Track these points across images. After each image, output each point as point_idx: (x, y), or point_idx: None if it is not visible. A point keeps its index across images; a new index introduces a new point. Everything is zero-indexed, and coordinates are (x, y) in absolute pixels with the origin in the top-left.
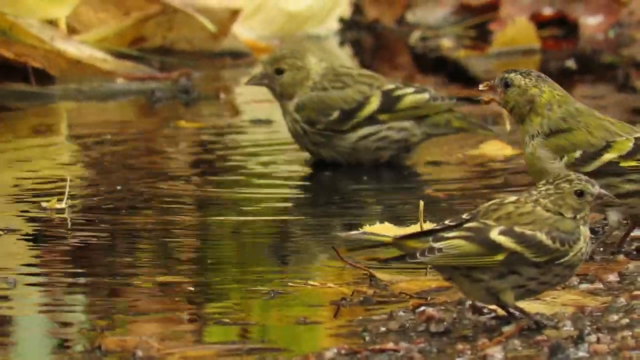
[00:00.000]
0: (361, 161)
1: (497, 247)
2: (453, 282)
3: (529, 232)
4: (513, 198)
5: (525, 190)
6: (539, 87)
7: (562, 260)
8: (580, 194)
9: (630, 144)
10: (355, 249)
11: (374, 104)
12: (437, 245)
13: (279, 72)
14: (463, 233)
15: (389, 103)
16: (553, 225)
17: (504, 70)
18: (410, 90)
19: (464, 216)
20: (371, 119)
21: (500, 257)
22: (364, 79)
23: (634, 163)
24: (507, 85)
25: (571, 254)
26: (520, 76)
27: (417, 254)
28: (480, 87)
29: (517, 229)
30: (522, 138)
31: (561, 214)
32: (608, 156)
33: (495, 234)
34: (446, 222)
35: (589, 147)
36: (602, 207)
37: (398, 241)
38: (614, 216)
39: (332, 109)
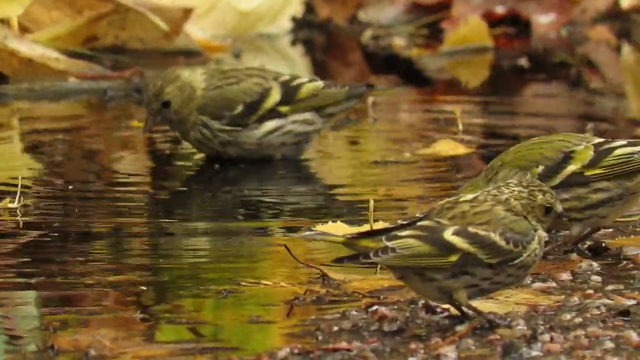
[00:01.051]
0: (266, 157)
1: (450, 248)
2: (405, 281)
3: (482, 233)
4: (469, 196)
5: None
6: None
7: (515, 262)
8: (549, 210)
9: (591, 152)
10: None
11: (276, 95)
12: (390, 244)
13: (166, 104)
14: (416, 232)
15: (289, 94)
16: (508, 225)
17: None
18: (305, 79)
19: (417, 214)
20: (273, 112)
21: (453, 258)
22: (254, 71)
23: (599, 171)
24: None
25: (524, 255)
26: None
27: (371, 254)
28: None
29: (470, 229)
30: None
31: (525, 218)
32: (571, 167)
33: (448, 234)
34: (399, 221)
35: (547, 161)
36: (573, 221)
37: (350, 241)
38: (576, 227)
39: (235, 103)
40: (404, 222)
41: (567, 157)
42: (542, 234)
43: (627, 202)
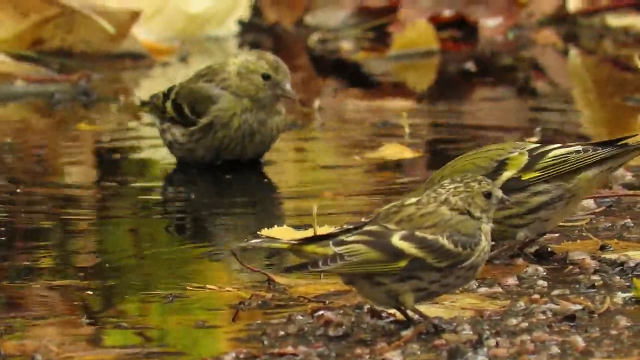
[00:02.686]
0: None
1: (399, 254)
2: (353, 286)
3: (430, 237)
4: (414, 199)
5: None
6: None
7: (464, 264)
8: (488, 195)
9: (525, 157)
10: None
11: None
12: (337, 249)
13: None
14: (364, 237)
15: None
16: (455, 227)
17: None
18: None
19: (363, 219)
20: None
21: (402, 263)
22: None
23: (535, 174)
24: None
25: (473, 257)
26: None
27: (320, 263)
28: None
29: (418, 233)
30: None
31: (469, 212)
32: (507, 174)
33: (396, 240)
34: (345, 225)
35: (480, 170)
36: (512, 227)
37: (296, 247)
38: (521, 233)
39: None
40: (350, 227)
41: (502, 165)
42: (488, 228)
43: (568, 204)
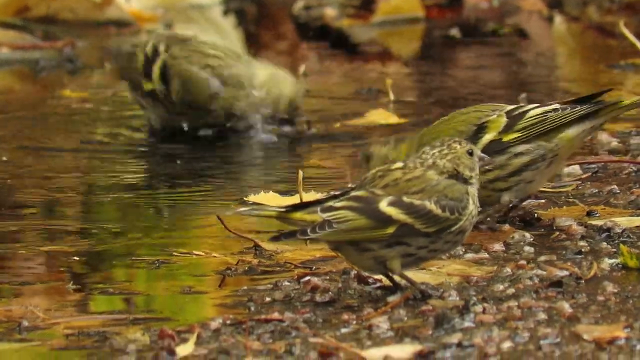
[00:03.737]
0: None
1: (387, 220)
2: (340, 252)
3: (418, 202)
4: (400, 164)
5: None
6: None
7: (453, 229)
8: (471, 153)
9: (504, 119)
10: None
11: None
12: (325, 216)
13: None
14: (351, 203)
15: None
16: (442, 192)
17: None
18: None
19: (349, 185)
20: None
21: (390, 230)
22: None
23: (516, 134)
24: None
25: (461, 221)
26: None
27: (308, 231)
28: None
29: (405, 199)
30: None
31: (458, 173)
32: (488, 137)
33: (384, 206)
34: (332, 191)
35: (462, 135)
36: (497, 192)
37: (284, 214)
38: (505, 196)
39: None
40: (337, 193)
41: (481, 128)
42: (474, 191)
43: (550, 164)
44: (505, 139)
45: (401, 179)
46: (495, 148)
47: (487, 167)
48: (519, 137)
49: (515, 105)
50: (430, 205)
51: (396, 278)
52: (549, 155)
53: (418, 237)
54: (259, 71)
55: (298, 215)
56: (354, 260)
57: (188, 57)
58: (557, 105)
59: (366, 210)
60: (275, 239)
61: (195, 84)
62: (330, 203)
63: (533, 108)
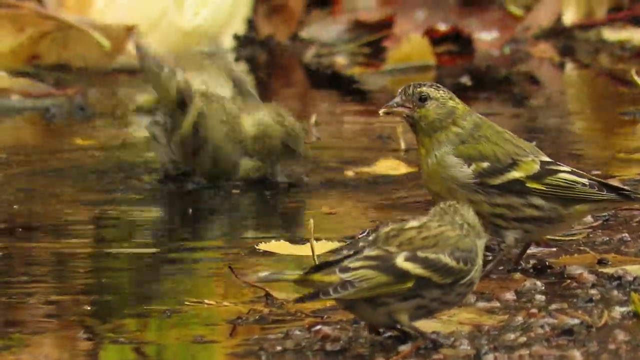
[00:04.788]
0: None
1: (405, 275)
2: (351, 310)
3: (432, 256)
4: (415, 223)
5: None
6: (453, 99)
7: (465, 280)
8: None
9: (537, 166)
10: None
11: None
12: (344, 276)
13: None
14: (368, 262)
15: None
16: (454, 245)
17: (407, 85)
18: None
19: (361, 243)
20: None
21: (409, 284)
22: None
23: (540, 186)
24: (422, 99)
25: (472, 272)
26: (434, 89)
27: (331, 291)
28: (382, 111)
29: (420, 253)
30: (422, 151)
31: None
32: (515, 174)
33: (401, 262)
34: (344, 251)
35: (496, 162)
36: (498, 228)
37: (302, 278)
38: (510, 235)
39: None
40: (349, 253)
41: (514, 164)
42: (481, 243)
43: (554, 227)
44: (529, 185)
45: (416, 237)
46: (514, 188)
47: (498, 201)
48: (541, 190)
49: (550, 159)
50: (445, 258)
51: (406, 329)
52: (557, 220)
53: (432, 290)
54: (250, 128)
55: (317, 277)
56: (367, 315)
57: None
58: (586, 181)
59: (384, 267)
60: (300, 300)
61: (222, 153)
62: (346, 263)
63: (566, 171)
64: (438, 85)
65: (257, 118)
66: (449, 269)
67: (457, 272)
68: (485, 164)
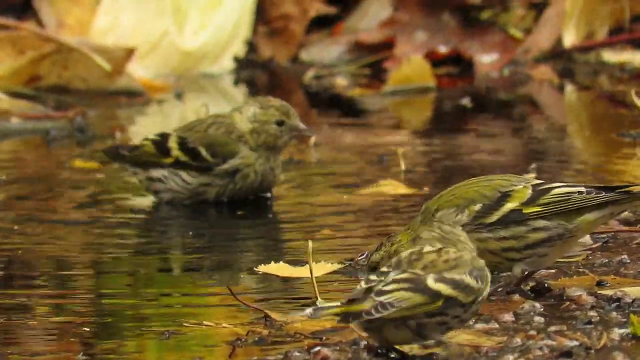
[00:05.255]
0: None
1: (436, 295)
2: (376, 333)
3: (457, 277)
4: (430, 248)
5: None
6: (394, 244)
7: (480, 298)
8: None
9: (529, 191)
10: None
11: None
12: (382, 299)
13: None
14: (402, 285)
15: None
16: (471, 264)
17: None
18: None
19: (383, 269)
20: None
21: (439, 303)
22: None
23: (537, 209)
24: (371, 268)
25: (485, 290)
26: (378, 254)
27: (373, 311)
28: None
29: (447, 275)
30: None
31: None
32: (509, 205)
33: (432, 283)
34: (362, 284)
35: (484, 199)
36: (508, 260)
37: (347, 310)
38: (517, 268)
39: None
40: (374, 278)
41: (505, 196)
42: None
43: (566, 243)
44: (526, 210)
45: (438, 260)
46: (514, 218)
47: (503, 235)
48: (539, 211)
49: (541, 181)
50: (467, 279)
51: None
52: (566, 235)
53: (456, 308)
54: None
55: (357, 307)
56: (391, 335)
57: (192, 128)
58: (582, 188)
59: (419, 289)
60: (344, 319)
61: (217, 141)
62: (380, 287)
63: (559, 186)
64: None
65: (249, 113)
66: (471, 288)
67: (477, 290)
68: (476, 206)
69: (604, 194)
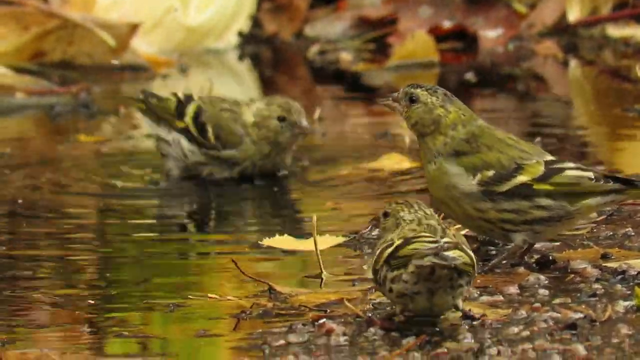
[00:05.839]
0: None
1: (472, 259)
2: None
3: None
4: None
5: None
6: (445, 107)
7: None
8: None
9: (542, 168)
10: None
11: None
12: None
13: None
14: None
15: None
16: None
17: (408, 84)
18: None
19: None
20: None
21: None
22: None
23: (548, 187)
24: (412, 100)
25: None
26: (427, 93)
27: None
28: (380, 101)
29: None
30: (422, 153)
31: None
32: (521, 178)
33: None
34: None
35: (501, 169)
36: (507, 232)
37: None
38: (518, 236)
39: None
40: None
41: (519, 168)
42: None
43: (562, 225)
44: (537, 187)
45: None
46: (522, 192)
47: (505, 207)
48: (549, 190)
49: (554, 158)
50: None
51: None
52: (566, 217)
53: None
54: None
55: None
56: (437, 299)
57: (212, 103)
58: (592, 174)
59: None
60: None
61: (224, 127)
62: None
63: (571, 168)
64: (437, 89)
65: (254, 108)
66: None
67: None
68: (490, 172)
69: (611, 183)
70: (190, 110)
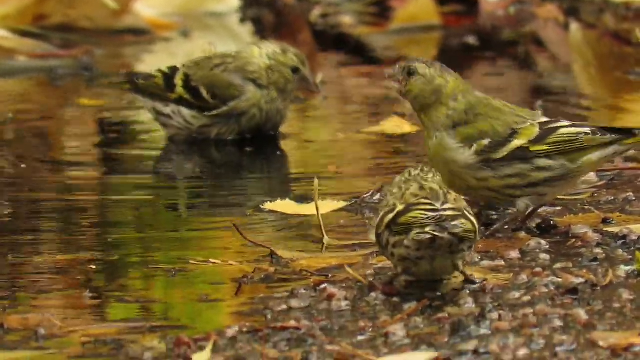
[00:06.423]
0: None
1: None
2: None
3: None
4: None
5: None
6: (444, 77)
7: None
8: None
9: (536, 129)
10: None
11: None
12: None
13: None
14: (458, 212)
15: None
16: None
17: (404, 60)
18: None
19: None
20: None
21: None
22: None
23: (544, 147)
24: (410, 74)
25: None
26: (424, 65)
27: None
28: (388, 75)
29: (466, 212)
30: (424, 127)
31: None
32: (517, 142)
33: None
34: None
35: (496, 136)
36: (507, 197)
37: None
38: (521, 202)
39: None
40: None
41: (514, 133)
42: None
43: (566, 183)
44: (533, 148)
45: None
46: (520, 155)
47: (507, 173)
48: (546, 150)
49: (548, 119)
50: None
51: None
52: (569, 175)
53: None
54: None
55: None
56: (438, 263)
57: (199, 65)
58: (588, 129)
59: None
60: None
61: (219, 83)
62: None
63: (566, 126)
64: (433, 62)
65: (269, 50)
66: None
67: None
68: (486, 141)
69: (609, 135)
70: (178, 79)
